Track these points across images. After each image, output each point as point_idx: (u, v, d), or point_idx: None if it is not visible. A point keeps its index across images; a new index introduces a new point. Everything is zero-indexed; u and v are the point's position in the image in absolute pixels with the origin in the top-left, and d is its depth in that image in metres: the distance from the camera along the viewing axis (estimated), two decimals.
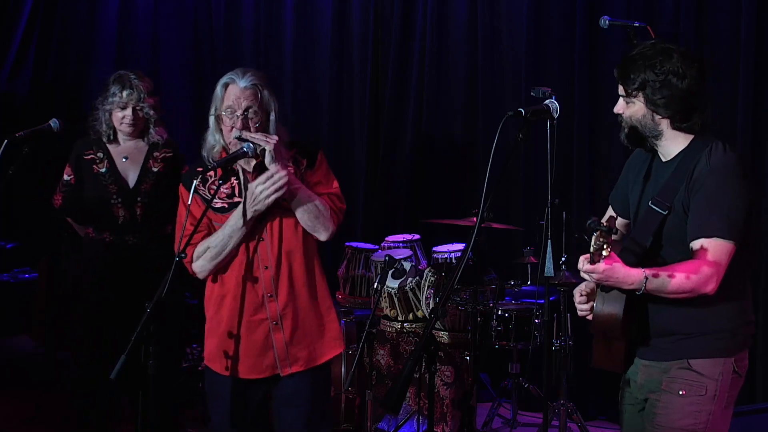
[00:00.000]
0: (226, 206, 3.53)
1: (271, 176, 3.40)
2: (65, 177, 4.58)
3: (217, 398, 3.63)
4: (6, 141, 4.05)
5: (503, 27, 6.09)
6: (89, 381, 4.53)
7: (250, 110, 3.46)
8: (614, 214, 3.23)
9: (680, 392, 3.01)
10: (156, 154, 4.54)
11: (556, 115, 3.22)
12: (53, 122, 4.35)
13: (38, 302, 6.49)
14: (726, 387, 3.02)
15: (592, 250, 2.80)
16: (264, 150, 3.42)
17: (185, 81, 7.39)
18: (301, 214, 3.48)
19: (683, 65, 2.97)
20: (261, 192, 3.40)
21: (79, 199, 4.55)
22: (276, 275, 3.51)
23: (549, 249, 3.24)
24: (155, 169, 4.51)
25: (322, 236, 3.52)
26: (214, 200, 3.50)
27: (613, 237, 2.81)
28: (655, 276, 2.87)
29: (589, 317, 3.12)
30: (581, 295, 3.14)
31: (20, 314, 6.78)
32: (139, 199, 4.47)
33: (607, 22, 4.89)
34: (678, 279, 2.87)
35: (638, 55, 3.01)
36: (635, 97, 3.02)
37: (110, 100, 4.47)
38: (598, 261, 2.81)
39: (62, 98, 7.39)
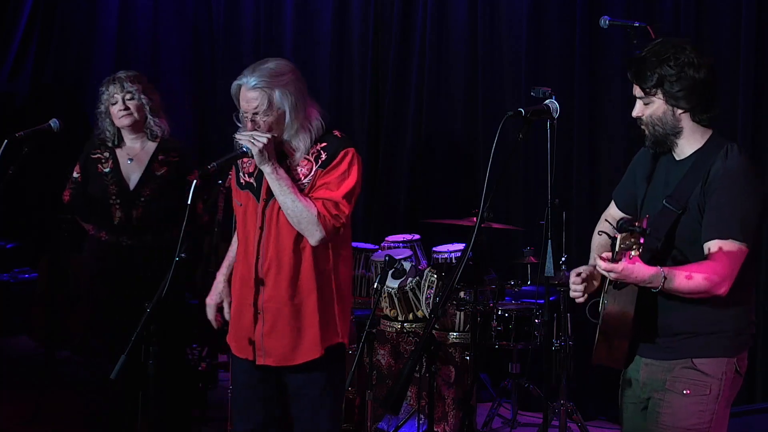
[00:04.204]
0: (244, 183, 3.65)
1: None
2: (74, 174, 4.59)
3: (232, 375, 3.84)
4: (6, 141, 4.05)
5: (503, 27, 6.09)
6: (94, 379, 4.58)
7: (258, 113, 3.48)
8: (617, 210, 3.24)
9: (684, 392, 3.01)
10: (161, 157, 4.50)
11: (556, 115, 3.22)
12: (53, 122, 4.36)
13: (38, 302, 6.49)
14: (728, 386, 3.02)
15: (617, 249, 2.78)
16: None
17: (185, 81, 7.39)
18: (287, 216, 3.51)
19: (697, 56, 2.97)
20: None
21: (84, 197, 4.55)
22: (265, 267, 3.57)
23: (549, 249, 3.24)
24: (159, 173, 4.49)
25: (311, 240, 3.53)
26: (240, 176, 3.65)
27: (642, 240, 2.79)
28: (673, 275, 2.88)
29: (580, 300, 3.12)
30: (577, 275, 3.12)
31: (20, 314, 6.78)
32: (137, 201, 4.44)
33: (607, 22, 4.90)
34: (694, 279, 2.87)
35: (650, 52, 3.00)
36: (654, 95, 3.00)
37: (102, 99, 4.48)
38: (620, 260, 2.80)
39: (62, 98, 7.39)
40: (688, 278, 2.87)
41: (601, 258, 2.85)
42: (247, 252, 3.61)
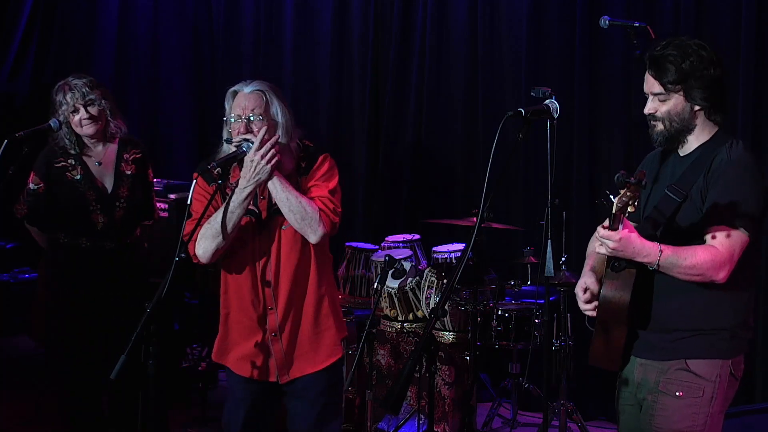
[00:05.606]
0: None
1: (264, 143, 3.45)
2: (31, 186, 4.44)
3: (228, 392, 3.80)
4: (6, 141, 4.05)
5: (503, 27, 6.09)
6: (68, 382, 4.59)
7: (254, 115, 3.48)
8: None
9: (677, 393, 3.01)
10: (126, 156, 4.47)
11: (556, 115, 3.22)
12: (53, 122, 4.35)
13: (38, 302, 6.47)
14: (723, 390, 3.02)
15: (615, 209, 2.79)
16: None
17: (185, 81, 7.39)
18: (288, 214, 3.51)
19: (715, 55, 3.01)
20: (260, 160, 3.43)
21: (51, 207, 4.44)
22: (276, 291, 3.58)
23: (549, 249, 3.24)
24: (129, 172, 4.46)
25: (311, 238, 3.54)
26: (226, 186, 3.55)
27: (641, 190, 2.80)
28: (670, 252, 2.88)
29: (591, 314, 3.12)
30: (584, 293, 3.13)
31: (20, 314, 6.77)
32: (117, 204, 4.41)
33: (607, 22, 4.89)
34: (692, 258, 2.89)
35: (672, 47, 3.01)
36: (674, 91, 3.01)
37: (61, 110, 4.36)
38: (618, 227, 2.80)
39: None
40: (685, 257, 2.88)
41: (601, 226, 2.86)
42: (253, 275, 3.59)
